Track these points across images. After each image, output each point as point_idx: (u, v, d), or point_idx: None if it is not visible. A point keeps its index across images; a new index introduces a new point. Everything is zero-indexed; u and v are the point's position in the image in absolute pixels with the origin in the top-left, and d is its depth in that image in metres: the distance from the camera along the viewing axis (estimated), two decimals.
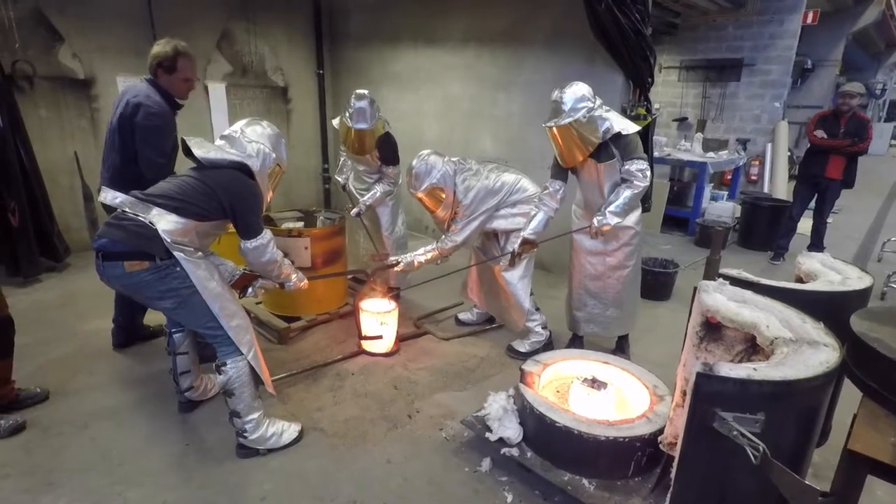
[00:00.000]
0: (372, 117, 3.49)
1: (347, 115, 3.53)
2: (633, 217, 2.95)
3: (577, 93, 2.70)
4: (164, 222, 2.06)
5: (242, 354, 2.23)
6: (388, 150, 3.67)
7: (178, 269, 2.08)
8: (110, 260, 2.07)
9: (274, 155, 2.38)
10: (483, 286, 3.55)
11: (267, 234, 2.31)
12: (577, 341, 3.34)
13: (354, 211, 3.79)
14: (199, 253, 2.18)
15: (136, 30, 4.86)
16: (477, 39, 5.00)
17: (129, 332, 3.24)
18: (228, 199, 2.17)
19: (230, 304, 2.22)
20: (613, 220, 2.77)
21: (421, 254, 3.19)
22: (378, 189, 3.76)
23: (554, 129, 2.75)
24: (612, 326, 3.21)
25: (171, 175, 2.33)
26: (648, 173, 2.78)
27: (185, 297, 2.13)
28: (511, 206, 3.14)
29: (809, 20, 7.36)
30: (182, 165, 2.39)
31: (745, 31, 7.35)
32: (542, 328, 3.32)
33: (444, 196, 3.05)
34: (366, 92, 3.49)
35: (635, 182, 2.76)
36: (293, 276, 2.58)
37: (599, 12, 3.66)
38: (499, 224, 3.17)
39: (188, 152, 2.25)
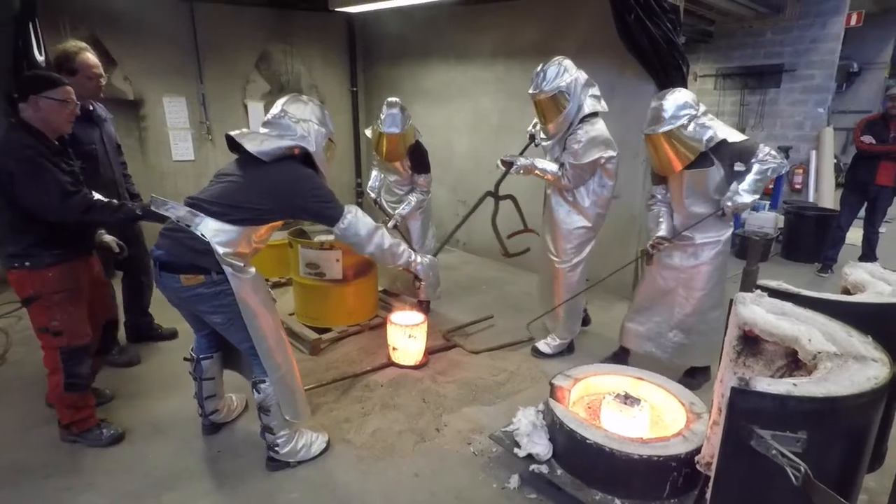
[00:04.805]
0: (403, 123, 3.54)
1: (379, 121, 3.58)
2: (722, 233, 2.79)
3: (678, 100, 2.57)
4: (218, 233, 2.02)
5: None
6: (419, 158, 3.71)
7: (229, 285, 2.05)
8: (167, 271, 2.06)
9: (324, 130, 2.25)
10: (542, 286, 3.53)
11: (352, 208, 2.21)
12: (621, 356, 3.19)
13: (391, 224, 3.82)
14: (252, 269, 2.13)
15: (180, 52, 5.11)
16: (506, 54, 5.02)
17: (136, 327, 3.49)
18: (301, 201, 2.11)
19: (269, 324, 2.18)
20: (748, 199, 2.59)
21: (546, 166, 3.01)
22: (412, 198, 3.79)
23: (652, 136, 2.63)
24: (673, 352, 2.98)
25: (217, 178, 2.22)
26: (780, 158, 2.60)
27: (236, 314, 2.09)
28: (599, 184, 3.03)
29: (853, 22, 7.06)
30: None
31: (785, 36, 7.11)
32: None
33: (566, 105, 2.86)
34: (397, 100, 3.55)
35: (769, 161, 2.57)
36: (410, 256, 2.42)
37: (629, 23, 3.62)
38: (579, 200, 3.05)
39: (233, 147, 2.17)
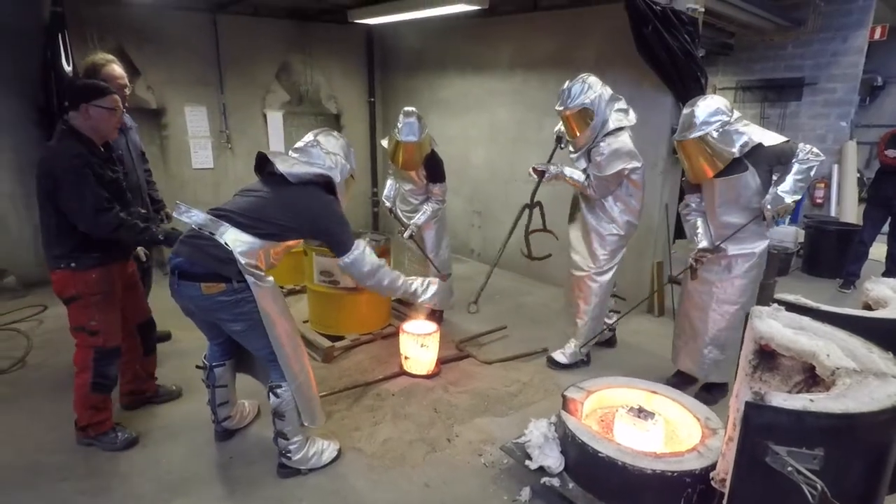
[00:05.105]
0: (420, 131, 3.56)
1: (396, 130, 3.62)
2: (757, 245, 2.71)
3: (710, 106, 2.55)
4: (240, 243, 2.06)
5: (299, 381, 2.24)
6: (434, 167, 3.74)
7: (249, 293, 2.08)
8: (187, 280, 2.08)
9: (349, 166, 2.40)
10: (568, 294, 3.53)
11: (360, 244, 2.31)
12: (679, 380, 3.07)
13: (407, 233, 3.83)
14: (270, 278, 2.16)
15: (202, 63, 5.24)
16: (523, 65, 5.05)
17: None
18: (323, 223, 2.21)
19: (287, 332, 2.21)
20: (790, 200, 2.51)
21: (574, 174, 3.09)
22: (427, 208, 3.81)
23: (684, 142, 2.60)
24: (708, 369, 2.92)
25: (243, 193, 2.29)
26: (822, 157, 2.55)
27: (255, 322, 2.12)
28: (627, 193, 3.04)
29: (878, 36, 6.96)
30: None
31: (806, 50, 7.04)
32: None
33: (591, 120, 2.92)
34: (413, 109, 3.59)
35: (811, 159, 2.51)
36: (413, 285, 2.51)
37: (647, 34, 3.62)
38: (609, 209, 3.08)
39: (260, 168, 2.28)
